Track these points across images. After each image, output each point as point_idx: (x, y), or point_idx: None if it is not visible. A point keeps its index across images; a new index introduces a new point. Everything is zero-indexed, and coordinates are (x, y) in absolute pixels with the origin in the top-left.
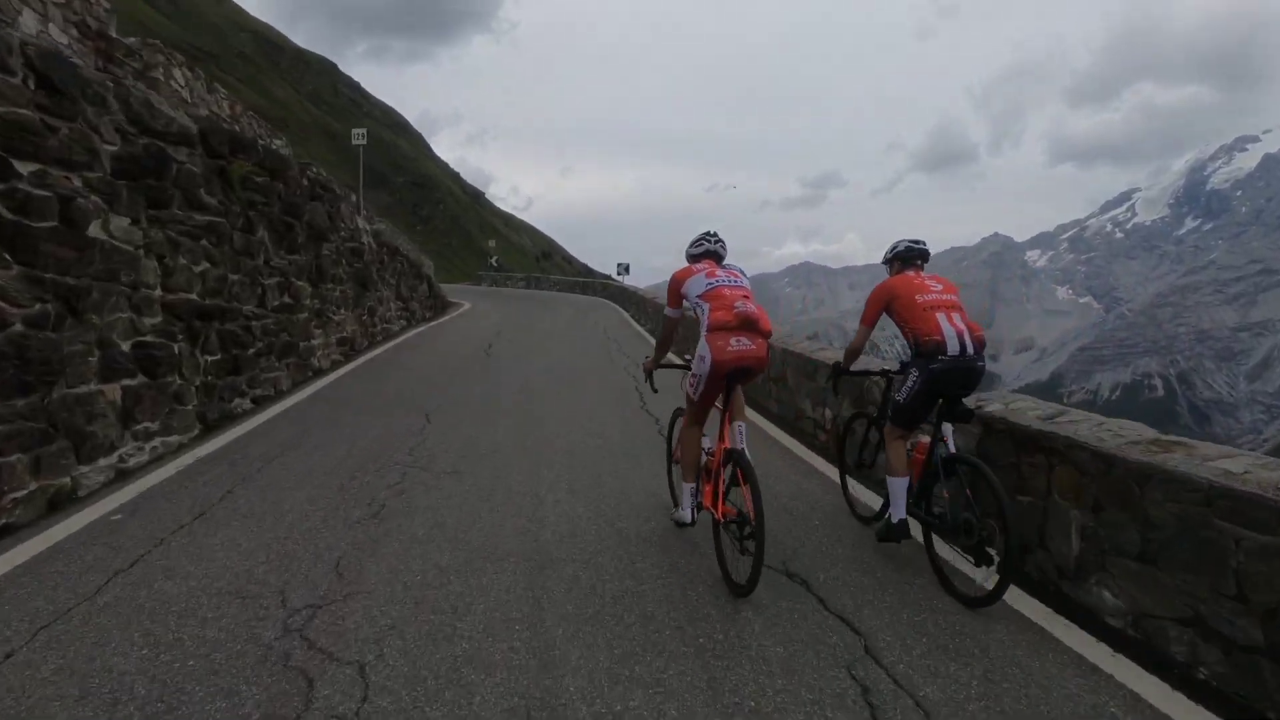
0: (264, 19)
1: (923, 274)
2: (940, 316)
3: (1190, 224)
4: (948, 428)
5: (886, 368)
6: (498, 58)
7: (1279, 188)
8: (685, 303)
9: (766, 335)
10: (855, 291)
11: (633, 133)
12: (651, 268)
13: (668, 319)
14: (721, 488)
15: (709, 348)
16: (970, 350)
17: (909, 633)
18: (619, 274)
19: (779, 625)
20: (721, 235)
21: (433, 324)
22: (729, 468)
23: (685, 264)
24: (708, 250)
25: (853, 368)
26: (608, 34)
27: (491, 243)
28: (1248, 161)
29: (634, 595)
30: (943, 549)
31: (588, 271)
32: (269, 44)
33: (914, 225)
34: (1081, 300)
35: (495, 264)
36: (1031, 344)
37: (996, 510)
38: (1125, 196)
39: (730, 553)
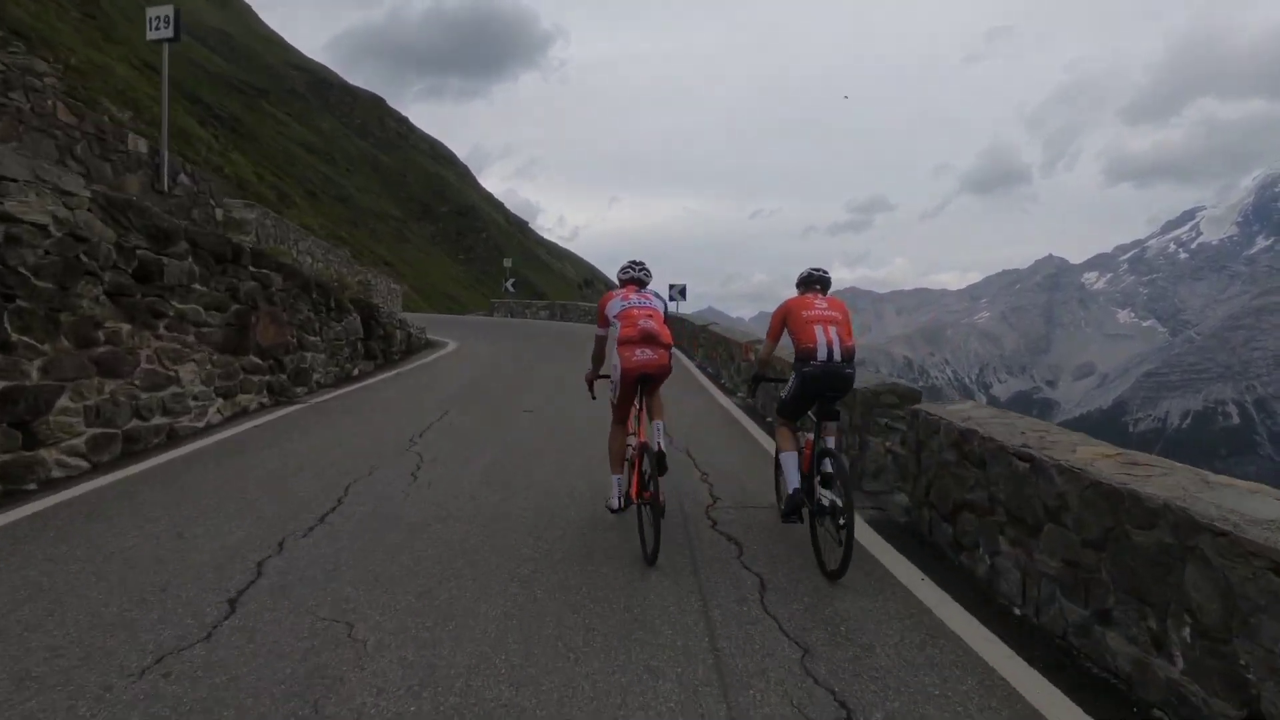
0: (323, 61)
1: (816, 295)
2: (818, 328)
3: (1262, 243)
4: (827, 426)
5: (783, 376)
6: (547, 94)
7: None
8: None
9: (667, 346)
10: (903, 317)
11: (678, 163)
12: (695, 293)
13: (598, 337)
14: (636, 477)
15: (619, 358)
16: (838, 357)
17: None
18: (672, 299)
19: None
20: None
21: (362, 384)
22: (645, 459)
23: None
24: (632, 277)
25: (767, 375)
26: (650, 69)
27: (508, 261)
28: None
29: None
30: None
31: None
32: (319, 81)
33: (963, 247)
34: (1145, 324)
35: (511, 288)
36: (1092, 369)
37: (846, 504)
38: (1189, 215)
39: (644, 520)
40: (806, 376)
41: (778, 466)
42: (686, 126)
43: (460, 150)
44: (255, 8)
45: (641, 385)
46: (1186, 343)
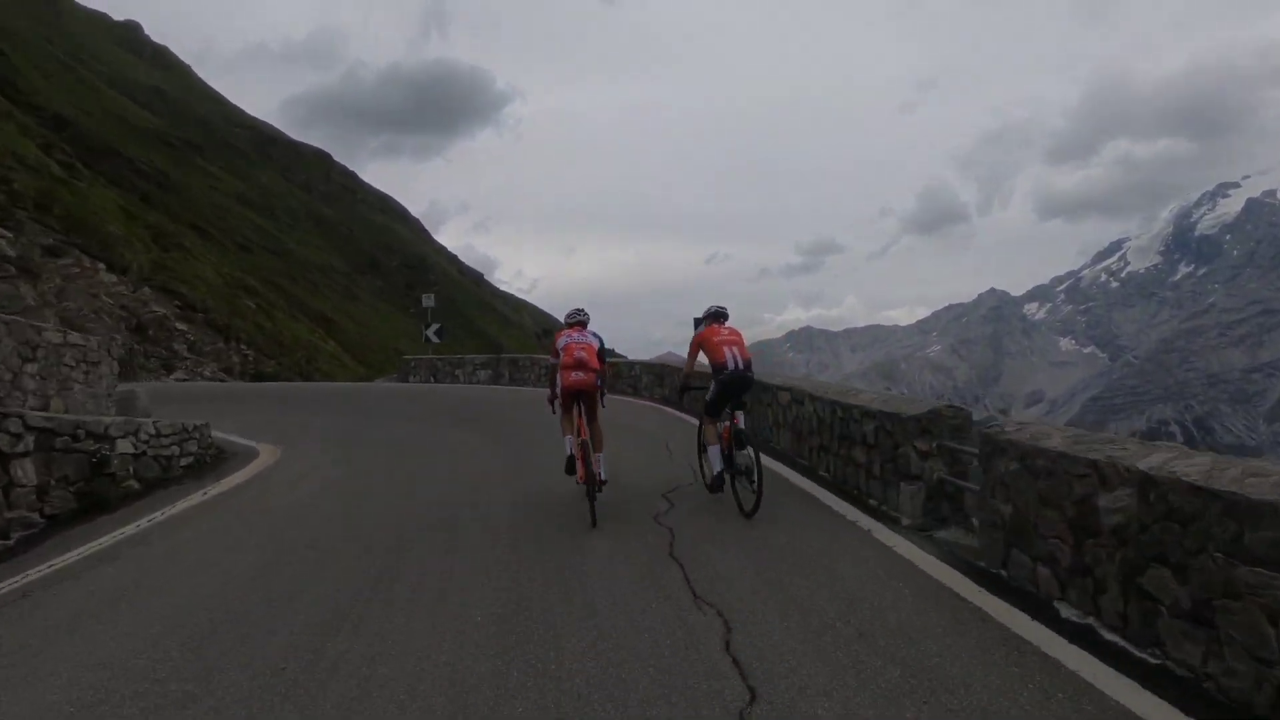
0: (275, 123)
1: (721, 326)
2: (726, 349)
3: (1184, 269)
4: (738, 414)
5: (705, 384)
6: (503, 151)
7: (1266, 230)
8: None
9: (595, 371)
10: (858, 354)
11: (633, 212)
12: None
13: (551, 365)
14: (583, 469)
15: (560, 380)
16: (740, 366)
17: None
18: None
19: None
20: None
21: None
22: (584, 449)
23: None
24: (576, 320)
25: (691, 385)
26: (603, 121)
27: (428, 298)
28: (1232, 206)
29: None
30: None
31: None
32: (262, 137)
33: (910, 284)
34: (1086, 350)
35: (434, 336)
36: (1041, 396)
37: (756, 462)
38: (1116, 246)
39: (590, 495)
40: (723, 382)
41: (701, 449)
42: (641, 175)
43: (417, 207)
44: (200, 70)
45: (577, 398)
46: (1125, 367)
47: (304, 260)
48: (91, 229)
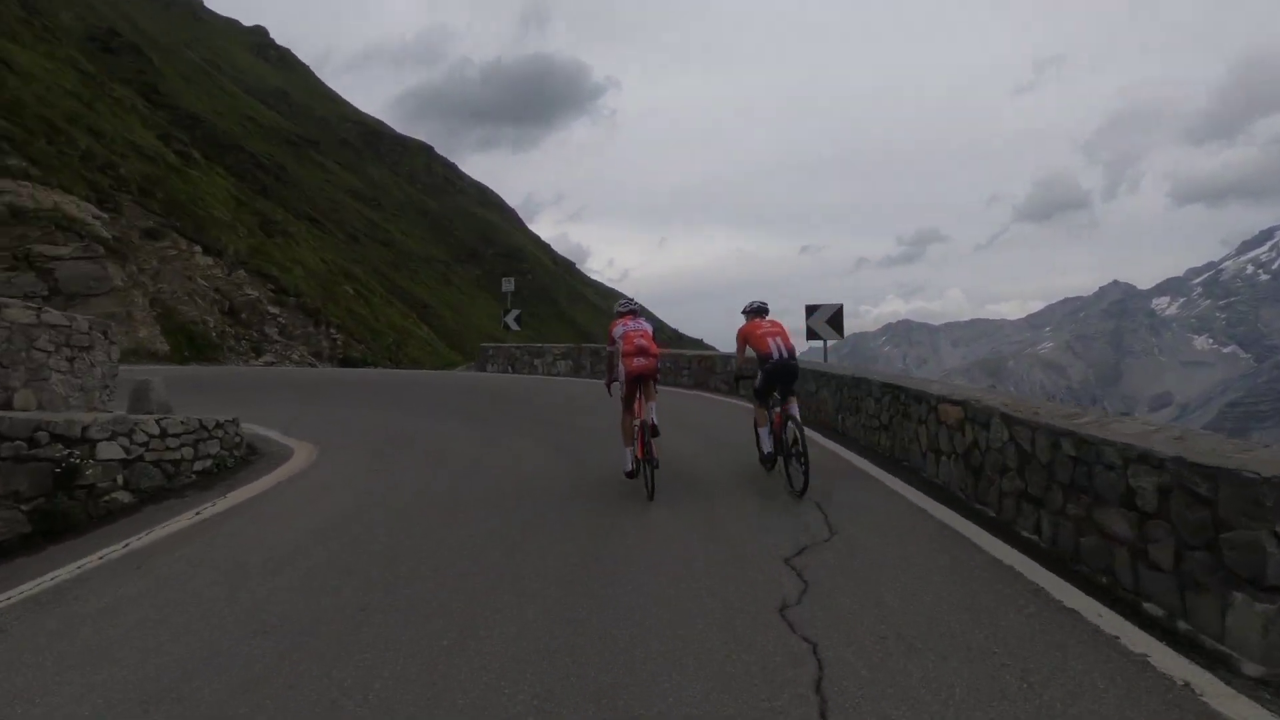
0: (385, 118)
1: (762, 320)
2: (769, 340)
3: None
4: (790, 401)
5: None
6: (599, 142)
7: None
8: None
9: (655, 355)
10: (959, 349)
11: (725, 202)
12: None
13: (609, 353)
14: (640, 444)
15: (624, 367)
16: (785, 355)
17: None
18: (820, 339)
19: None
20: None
21: None
22: (645, 430)
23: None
24: (629, 309)
25: (744, 374)
26: (698, 111)
27: (508, 282)
28: None
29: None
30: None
31: (676, 338)
32: (371, 132)
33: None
34: (1225, 350)
35: (514, 323)
36: (1169, 399)
37: (803, 445)
38: (1267, 235)
39: (645, 474)
40: (768, 371)
41: (757, 431)
42: (735, 165)
43: (514, 199)
44: (320, 72)
45: (639, 381)
46: (1275, 369)
47: (407, 250)
48: (191, 213)
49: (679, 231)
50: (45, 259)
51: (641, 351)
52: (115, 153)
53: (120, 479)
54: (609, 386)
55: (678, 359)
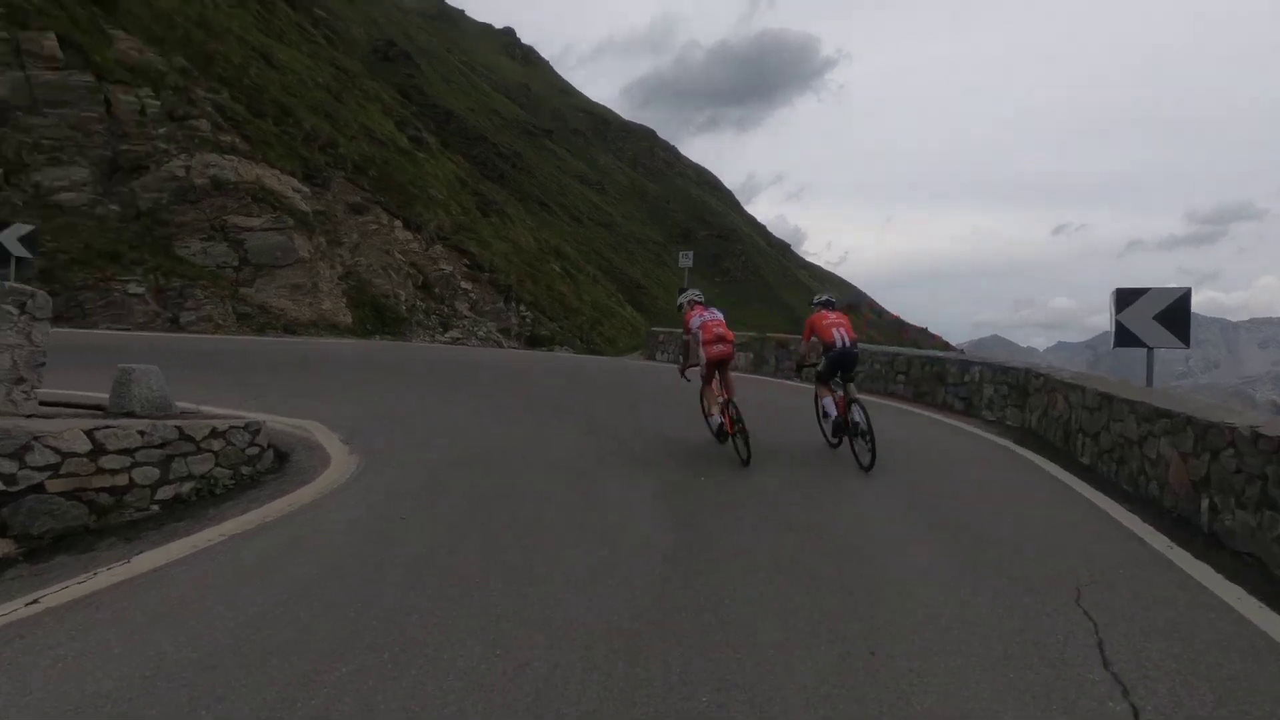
0: (614, 107)
1: (829, 311)
2: (834, 330)
3: None
4: (850, 386)
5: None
6: (823, 118)
7: None
8: (692, 331)
9: (731, 341)
10: (1267, 350)
11: (963, 178)
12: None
13: (686, 341)
14: (729, 420)
15: (704, 352)
16: (848, 344)
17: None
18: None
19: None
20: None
21: None
22: (730, 409)
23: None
24: (698, 300)
25: (806, 362)
26: (933, 79)
27: (685, 257)
28: None
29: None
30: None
31: (898, 326)
32: (599, 120)
33: None
34: None
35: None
36: None
37: (868, 424)
38: None
39: (738, 444)
40: (832, 357)
41: (820, 415)
42: (975, 136)
43: (734, 180)
44: (558, 66)
45: (719, 366)
46: None
47: (626, 232)
48: (402, 189)
49: (906, 210)
50: (239, 230)
51: (720, 339)
52: (345, 134)
53: (19, 516)
54: (683, 372)
55: (893, 361)
